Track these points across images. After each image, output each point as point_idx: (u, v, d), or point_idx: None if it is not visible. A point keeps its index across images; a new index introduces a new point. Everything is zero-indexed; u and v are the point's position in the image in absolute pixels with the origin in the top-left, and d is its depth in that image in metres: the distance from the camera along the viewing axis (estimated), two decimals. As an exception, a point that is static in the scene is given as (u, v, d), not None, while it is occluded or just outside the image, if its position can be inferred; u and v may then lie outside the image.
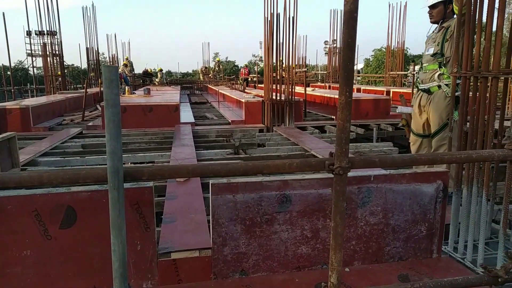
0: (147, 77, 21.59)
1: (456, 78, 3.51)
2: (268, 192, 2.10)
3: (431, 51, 3.73)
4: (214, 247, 2.07)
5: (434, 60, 3.67)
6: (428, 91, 3.73)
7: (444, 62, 3.61)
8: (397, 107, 10.74)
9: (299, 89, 11.07)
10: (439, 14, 3.68)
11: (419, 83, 3.88)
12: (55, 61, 16.14)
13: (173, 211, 2.81)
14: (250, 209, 2.09)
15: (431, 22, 3.81)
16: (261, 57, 45.53)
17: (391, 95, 11.49)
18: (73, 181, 1.26)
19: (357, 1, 1.26)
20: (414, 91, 4.02)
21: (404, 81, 17.73)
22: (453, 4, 3.28)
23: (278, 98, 7.75)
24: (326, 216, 2.18)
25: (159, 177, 1.30)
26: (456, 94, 3.54)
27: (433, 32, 3.84)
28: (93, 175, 1.25)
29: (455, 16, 3.57)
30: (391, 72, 16.15)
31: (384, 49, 24.39)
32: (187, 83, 26.72)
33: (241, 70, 21.93)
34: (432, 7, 3.67)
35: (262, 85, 14.52)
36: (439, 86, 3.62)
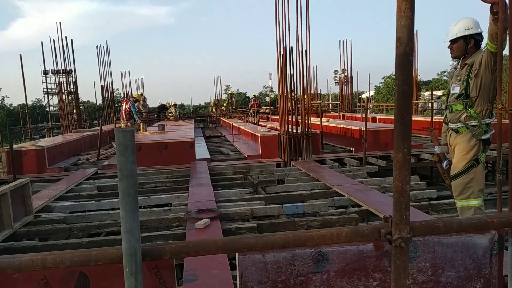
0: (162, 112, 21.76)
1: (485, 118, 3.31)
2: (302, 250, 1.87)
3: (456, 90, 3.53)
4: (243, 316, 1.83)
5: (460, 101, 3.47)
6: (456, 131, 3.52)
7: (470, 103, 3.40)
8: (415, 136, 10.49)
9: (313, 120, 10.89)
10: (459, 49, 3.51)
11: (447, 122, 3.67)
12: (70, 98, 16.40)
13: (194, 265, 2.58)
14: (282, 270, 1.86)
15: (452, 57, 3.66)
16: (271, 88, 45.94)
17: (409, 123, 11.21)
18: (83, 263, 1.06)
19: (412, 43, 1.07)
20: (443, 128, 3.78)
21: (419, 107, 17.49)
22: (488, 42, 3.09)
23: (295, 131, 7.58)
24: (368, 276, 1.93)
25: (183, 255, 1.09)
26: (484, 137, 3.33)
27: (456, 68, 3.67)
28: (107, 257, 1.06)
29: (479, 50, 3.41)
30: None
31: (394, 76, 24.26)
32: (200, 116, 26.88)
33: (251, 102, 21.83)
34: (452, 41, 3.51)
35: (276, 117, 14.46)
36: (467, 127, 3.40)
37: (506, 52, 2.70)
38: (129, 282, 0.99)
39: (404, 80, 1.06)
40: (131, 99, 13.59)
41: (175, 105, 21.82)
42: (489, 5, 2.81)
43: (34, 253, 1.05)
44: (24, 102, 14.09)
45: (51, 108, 19.42)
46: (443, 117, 4.03)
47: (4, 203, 3.72)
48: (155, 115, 22.62)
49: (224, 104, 26.24)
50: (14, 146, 7.34)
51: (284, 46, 7.36)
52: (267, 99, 33.48)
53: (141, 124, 11.61)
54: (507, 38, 2.59)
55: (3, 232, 3.68)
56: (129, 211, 0.97)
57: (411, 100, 1.09)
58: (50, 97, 18.59)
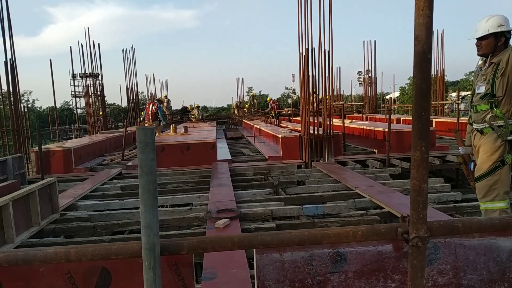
0: (185, 114, 22.07)
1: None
2: (320, 250, 1.86)
3: (482, 89, 3.42)
4: (261, 315, 1.83)
5: (485, 101, 3.37)
6: (481, 132, 3.42)
7: (496, 103, 3.30)
8: (441, 137, 10.26)
9: (336, 121, 10.82)
10: (488, 46, 3.36)
11: (471, 122, 3.58)
12: (97, 101, 16.82)
13: (213, 264, 2.61)
14: (300, 270, 1.86)
15: (478, 54, 3.49)
16: (294, 90, 45.81)
17: (433, 125, 10.99)
18: (104, 257, 1.10)
19: (431, 41, 1.07)
20: (468, 129, 3.68)
21: (446, 109, 17.09)
22: None
23: (316, 132, 7.54)
24: (387, 277, 1.90)
25: (200, 250, 1.11)
26: (510, 138, 3.23)
27: (481, 67, 3.54)
28: (127, 250, 1.09)
29: (506, 49, 3.29)
30: (433, 102, 15.56)
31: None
32: (222, 118, 27.07)
33: (271, 104, 21.72)
34: (481, 38, 3.37)
35: (297, 118, 14.42)
36: (492, 128, 3.30)
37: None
38: (147, 275, 1.02)
39: (422, 78, 1.05)
40: (156, 101, 13.85)
41: (197, 107, 22.09)
42: None
43: (58, 246, 1.09)
44: (53, 105, 14.54)
45: (78, 110, 19.99)
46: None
47: (33, 201, 3.86)
48: (178, 117, 22.94)
49: (246, 106, 26.34)
50: (43, 147, 7.58)
51: (306, 47, 7.34)
52: (289, 100, 33.39)
53: (172, 125, 11.94)
54: None
55: (31, 229, 3.81)
56: (148, 206, 1.00)
57: (430, 99, 1.08)
58: (77, 99, 19.15)
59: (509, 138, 3.26)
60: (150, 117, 12.84)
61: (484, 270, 1.98)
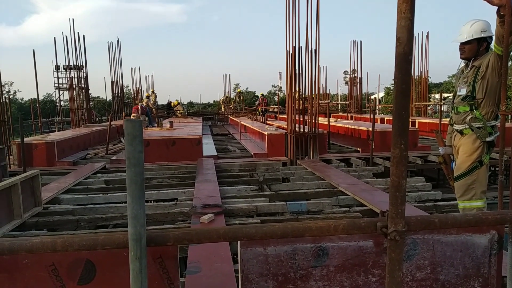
0: (170, 109, 21.93)
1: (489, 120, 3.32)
2: (303, 245, 1.91)
3: (463, 91, 3.52)
4: (243, 307, 1.87)
5: (465, 103, 3.47)
6: (461, 132, 3.52)
7: (476, 105, 3.40)
8: (423, 138, 10.45)
9: (321, 120, 10.92)
10: (471, 51, 3.46)
11: (452, 123, 3.68)
12: (81, 94, 16.58)
13: (197, 258, 2.63)
14: (283, 264, 1.90)
15: (461, 57, 3.59)
16: (280, 87, 45.91)
17: (416, 125, 11.18)
18: (91, 247, 1.12)
19: (411, 43, 1.11)
20: (448, 129, 3.78)
21: (429, 110, 17.38)
22: (494, 45, 3.07)
23: (302, 130, 7.61)
24: (367, 271, 1.96)
25: (186, 242, 1.14)
26: (488, 139, 3.34)
27: (463, 70, 3.64)
28: (113, 241, 1.11)
29: (487, 53, 3.39)
30: (417, 103, 15.81)
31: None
32: (208, 114, 27.00)
33: (259, 100, 21.78)
34: (465, 43, 3.47)
35: (284, 116, 14.50)
36: (472, 129, 3.41)
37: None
38: (134, 265, 1.04)
39: (403, 79, 1.09)
40: (142, 104, 14.02)
41: (178, 103, 21.98)
42: (496, 7, 2.82)
43: (45, 236, 1.10)
44: (36, 97, 14.29)
45: (62, 103, 19.64)
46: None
47: (15, 193, 3.81)
48: (165, 112, 22.78)
49: (232, 103, 26.32)
50: (25, 139, 7.46)
51: (294, 45, 7.39)
52: (276, 98, 33.48)
53: (159, 119, 12.02)
54: None
55: (13, 222, 3.77)
56: (135, 197, 1.02)
57: (409, 99, 1.13)
58: (61, 92, 18.81)
59: (487, 139, 3.36)
60: (138, 111, 12.89)
61: (460, 265, 2.05)
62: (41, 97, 17.93)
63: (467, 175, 3.41)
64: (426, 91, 16.74)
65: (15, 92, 42.73)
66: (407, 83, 1.09)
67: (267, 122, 13.55)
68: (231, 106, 25.56)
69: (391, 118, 13.40)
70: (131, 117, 13.17)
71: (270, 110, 22.16)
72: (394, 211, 1.08)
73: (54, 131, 16.07)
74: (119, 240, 1.09)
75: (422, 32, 16.89)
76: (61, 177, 6.12)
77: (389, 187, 1.09)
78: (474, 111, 3.40)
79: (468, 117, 3.43)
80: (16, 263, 1.80)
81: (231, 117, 20.73)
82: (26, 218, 3.98)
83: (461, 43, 3.48)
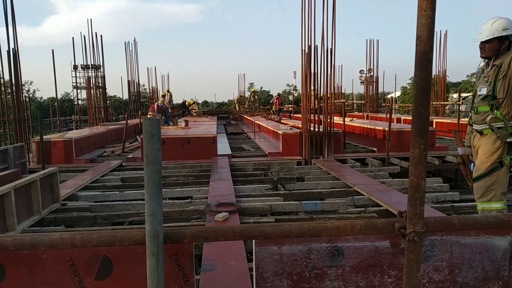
0: (185, 108, 22.09)
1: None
2: (318, 244, 1.89)
3: (483, 91, 3.44)
4: (258, 306, 1.87)
5: (486, 102, 3.39)
6: (481, 133, 3.45)
7: (497, 105, 3.32)
8: (441, 138, 10.29)
9: (336, 119, 10.86)
10: (492, 49, 3.37)
11: (471, 123, 3.60)
12: (98, 93, 16.83)
13: (212, 256, 2.65)
14: (298, 263, 1.89)
15: (482, 56, 3.50)
16: (295, 87, 45.76)
17: (434, 125, 11.01)
18: (109, 243, 1.13)
19: (432, 41, 1.09)
20: (468, 130, 3.70)
21: (446, 109, 17.11)
22: None
23: (316, 129, 7.57)
24: (383, 272, 1.94)
25: (202, 240, 1.15)
26: (509, 140, 3.25)
27: (483, 69, 3.55)
28: (131, 237, 1.12)
29: (509, 51, 3.30)
30: (434, 103, 15.57)
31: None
32: (223, 113, 27.08)
33: (274, 99, 21.80)
34: (485, 41, 3.38)
35: (298, 115, 14.45)
36: (492, 129, 3.33)
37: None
38: (150, 262, 1.05)
39: (423, 78, 1.08)
40: (159, 104, 14.15)
41: (194, 102, 22.13)
42: None
43: (64, 232, 1.12)
44: (54, 96, 14.55)
45: (79, 101, 19.97)
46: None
47: (34, 190, 3.89)
48: (180, 111, 22.95)
49: (247, 102, 26.35)
50: (44, 137, 7.61)
51: (309, 44, 7.36)
52: (290, 97, 33.39)
53: (174, 118, 12.12)
54: None
55: (32, 217, 3.85)
56: (153, 195, 1.03)
57: (429, 98, 1.11)
58: (78, 91, 19.13)
59: (508, 140, 3.28)
60: (155, 109, 13.04)
61: (479, 268, 2.01)
62: (59, 96, 18.23)
63: (487, 176, 3.34)
64: (444, 91, 16.47)
65: (34, 91, 43.62)
66: (427, 82, 1.07)
67: (281, 121, 13.52)
68: (245, 105, 25.59)
69: (407, 118, 13.24)
70: (148, 115, 13.32)
71: (285, 109, 22.12)
72: (412, 211, 1.07)
73: (72, 129, 16.35)
74: (137, 237, 1.10)
75: (440, 30, 16.56)
76: (79, 175, 6.22)
77: (408, 187, 1.07)
78: (495, 111, 3.32)
79: (489, 117, 3.36)
80: (35, 258, 1.84)
81: (246, 116, 20.75)
82: (45, 214, 4.06)
83: (482, 42, 3.40)
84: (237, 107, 26.30)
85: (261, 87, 51.12)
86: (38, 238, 1.12)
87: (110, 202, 4.76)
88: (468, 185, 3.88)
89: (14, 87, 8.46)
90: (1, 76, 8.68)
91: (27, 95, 22.80)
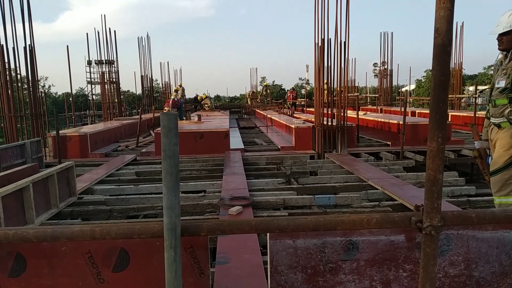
0: (198, 103, 22.17)
1: None
2: (332, 238, 1.90)
3: (501, 83, 3.37)
4: (273, 298, 1.88)
5: (504, 95, 3.32)
6: (498, 126, 3.38)
7: None
8: (456, 131, 10.13)
9: (350, 113, 10.78)
10: (510, 42, 3.30)
11: (489, 116, 3.54)
12: (112, 88, 17.01)
13: (226, 249, 2.67)
14: (312, 256, 1.89)
15: (499, 49, 3.44)
16: (307, 80, 45.52)
17: (449, 118, 10.85)
18: (127, 236, 1.16)
19: (451, 34, 1.08)
20: (485, 123, 3.64)
21: (462, 103, 16.83)
22: None
23: (330, 123, 7.53)
24: (398, 266, 1.93)
25: (219, 233, 1.16)
26: None
27: (501, 61, 3.48)
28: (149, 230, 1.14)
29: None
30: (450, 95, 15.33)
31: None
32: (235, 107, 27.11)
33: (288, 93, 21.77)
34: (503, 33, 3.31)
35: (311, 109, 14.38)
36: (510, 122, 3.26)
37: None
38: (168, 254, 1.06)
39: (441, 71, 1.06)
40: (175, 98, 14.20)
41: (206, 97, 22.19)
42: None
43: (84, 224, 1.15)
44: (69, 91, 14.77)
45: (94, 96, 20.19)
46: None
47: (51, 184, 3.96)
48: (192, 106, 23.06)
49: (259, 96, 26.32)
50: (60, 132, 7.73)
51: (322, 37, 7.30)
52: (303, 91, 33.23)
53: (187, 113, 12.20)
54: None
55: (50, 211, 3.93)
56: (171, 188, 1.04)
57: (447, 91, 1.10)
58: (92, 86, 19.36)
59: None
60: (170, 104, 13.12)
61: (496, 262, 1.99)
62: (74, 91, 18.48)
63: (504, 169, 3.28)
64: (460, 83, 16.19)
65: (49, 86, 44.19)
66: (445, 75, 1.06)
67: (294, 115, 13.48)
68: (258, 100, 25.57)
69: (422, 111, 13.06)
70: (163, 110, 13.43)
71: (298, 103, 22.04)
72: (429, 205, 1.06)
73: (87, 124, 16.59)
74: (155, 229, 1.12)
75: (457, 22, 16.27)
76: (94, 169, 6.32)
77: (425, 181, 1.07)
78: None
79: (507, 110, 3.30)
80: (55, 250, 1.88)
81: (258, 111, 20.73)
82: (62, 207, 4.14)
83: (499, 34, 3.34)
84: (249, 101, 26.30)
85: (273, 81, 50.97)
86: (59, 230, 1.15)
87: (125, 196, 4.82)
88: (484, 179, 3.82)
89: (30, 83, 8.59)
90: (18, 72, 8.83)
91: (42, 90, 23.13)
